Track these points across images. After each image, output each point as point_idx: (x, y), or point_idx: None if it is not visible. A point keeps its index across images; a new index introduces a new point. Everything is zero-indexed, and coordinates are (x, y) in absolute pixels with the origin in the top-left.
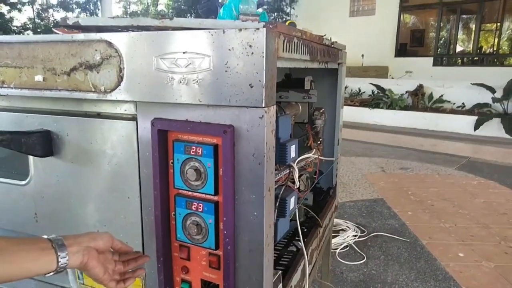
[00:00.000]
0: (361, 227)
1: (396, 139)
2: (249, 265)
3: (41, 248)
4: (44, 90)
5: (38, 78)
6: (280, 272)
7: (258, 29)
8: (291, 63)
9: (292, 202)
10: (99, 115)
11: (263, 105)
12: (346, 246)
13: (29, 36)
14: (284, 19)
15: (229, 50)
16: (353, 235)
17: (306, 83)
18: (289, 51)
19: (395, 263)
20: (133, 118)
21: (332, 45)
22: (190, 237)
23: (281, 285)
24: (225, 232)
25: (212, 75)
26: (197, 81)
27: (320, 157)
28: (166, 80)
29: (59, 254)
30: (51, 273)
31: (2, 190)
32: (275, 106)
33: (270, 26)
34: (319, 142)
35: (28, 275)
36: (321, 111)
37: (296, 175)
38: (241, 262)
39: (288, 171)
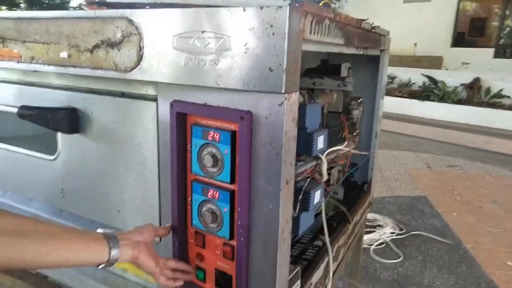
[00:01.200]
0: (400, 225)
1: (446, 134)
2: (263, 259)
3: (94, 238)
4: (68, 67)
5: (63, 54)
6: (299, 268)
7: (280, 7)
8: (321, 47)
9: (317, 195)
10: (123, 95)
11: (283, 91)
12: (382, 243)
13: (55, 12)
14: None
15: (249, 30)
16: (390, 232)
17: (343, 70)
18: (318, 34)
19: (433, 266)
20: (154, 99)
21: (373, 30)
22: (205, 224)
23: (299, 281)
24: (239, 222)
25: (230, 57)
26: (215, 63)
27: (352, 150)
28: (185, 61)
29: (111, 244)
30: (103, 265)
31: (34, 163)
32: (297, 93)
33: (296, 5)
34: (355, 134)
35: (81, 263)
36: (358, 101)
37: (324, 167)
38: (254, 255)
39: (315, 163)
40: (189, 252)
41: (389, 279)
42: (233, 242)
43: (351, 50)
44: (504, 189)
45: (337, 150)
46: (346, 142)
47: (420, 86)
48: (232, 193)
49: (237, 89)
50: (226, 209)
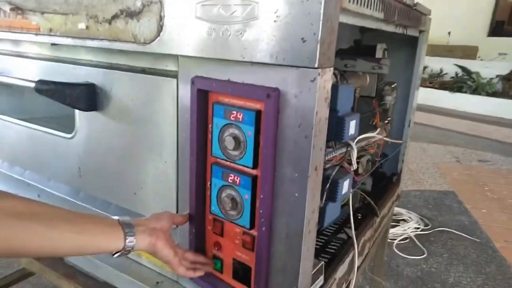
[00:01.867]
0: (425, 220)
1: (478, 127)
2: (285, 252)
3: (108, 224)
4: (86, 39)
5: (81, 26)
6: (322, 262)
7: None
8: (360, 20)
9: (345, 185)
10: (143, 71)
11: (316, 65)
12: (406, 238)
13: None
14: None
15: None
16: (415, 227)
17: (378, 52)
18: (357, 3)
19: (459, 264)
20: (175, 76)
21: (415, 7)
22: (224, 211)
23: (322, 277)
24: (261, 211)
25: (258, 26)
26: (240, 33)
27: (385, 138)
28: (208, 32)
29: (126, 231)
30: (119, 253)
31: (52, 141)
32: (332, 69)
33: None
34: (386, 122)
35: (96, 250)
36: (392, 86)
37: (354, 155)
38: (276, 247)
39: (345, 150)
40: (206, 240)
41: (412, 276)
42: (254, 232)
43: (390, 28)
44: None
45: (368, 137)
46: (378, 130)
47: (452, 77)
48: (254, 178)
49: (264, 62)
50: (247, 196)
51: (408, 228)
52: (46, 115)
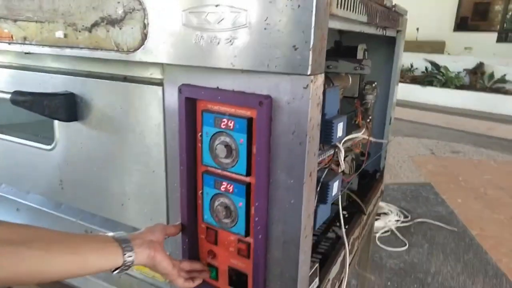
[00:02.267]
0: (405, 212)
1: (449, 120)
2: (282, 259)
3: (104, 241)
4: (65, 48)
5: (59, 34)
6: (317, 265)
7: None
8: (346, 25)
9: (335, 187)
10: (125, 79)
11: (309, 72)
12: (387, 231)
13: None
14: None
15: (270, 2)
16: (395, 220)
17: (359, 52)
18: (344, 8)
19: (440, 253)
20: (160, 84)
21: (394, 8)
22: (218, 220)
23: (317, 279)
24: (257, 218)
25: (248, 34)
26: (230, 41)
27: (371, 138)
28: (195, 39)
29: (123, 246)
30: (118, 270)
31: (30, 153)
32: (323, 75)
33: None
34: (368, 120)
35: (95, 269)
36: (373, 85)
37: (342, 156)
38: (273, 253)
39: (332, 152)
40: (200, 248)
41: (395, 268)
42: (249, 239)
43: (371, 30)
44: (510, 175)
45: (353, 137)
46: (364, 129)
47: (422, 72)
48: (248, 186)
49: (256, 70)
50: (241, 203)
51: (389, 221)
52: (24, 121)
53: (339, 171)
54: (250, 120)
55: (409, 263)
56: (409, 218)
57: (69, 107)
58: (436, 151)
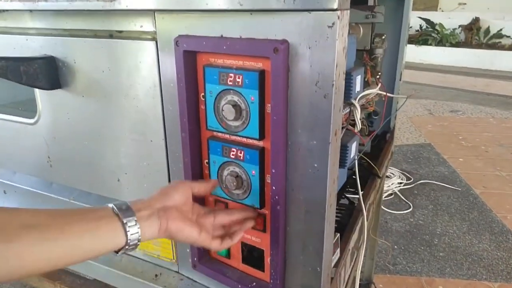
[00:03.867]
0: (407, 174)
1: (445, 79)
2: (305, 231)
3: (98, 217)
4: (38, 1)
5: None
6: (338, 235)
7: None
8: None
9: (353, 149)
10: (111, 36)
11: (336, 6)
12: (391, 194)
13: None
14: None
15: None
16: (398, 182)
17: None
18: None
19: (444, 214)
20: (153, 38)
21: None
22: (228, 191)
23: (338, 250)
24: (274, 187)
25: None
26: None
27: (389, 94)
28: None
29: (125, 221)
30: (122, 251)
31: (11, 129)
32: (349, 12)
33: None
34: (377, 77)
35: (89, 255)
36: (382, 37)
37: (358, 115)
38: (293, 226)
39: (348, 110)
40: None
41: (401, 230)
42: (265, 211)
43: None
44: (509, 131)
45: (368, 94)
46: (379, 85)
47: (417, 30)
48: (261, 151)
49: (269, 9)
50: (254, 171)
51: (392, 184)
52: (11, 101)
53: (356, 131)
54: (262, 73)
55: (414, 225)
56: (412, 180)
57: (50, 73)
58: (434, 111)
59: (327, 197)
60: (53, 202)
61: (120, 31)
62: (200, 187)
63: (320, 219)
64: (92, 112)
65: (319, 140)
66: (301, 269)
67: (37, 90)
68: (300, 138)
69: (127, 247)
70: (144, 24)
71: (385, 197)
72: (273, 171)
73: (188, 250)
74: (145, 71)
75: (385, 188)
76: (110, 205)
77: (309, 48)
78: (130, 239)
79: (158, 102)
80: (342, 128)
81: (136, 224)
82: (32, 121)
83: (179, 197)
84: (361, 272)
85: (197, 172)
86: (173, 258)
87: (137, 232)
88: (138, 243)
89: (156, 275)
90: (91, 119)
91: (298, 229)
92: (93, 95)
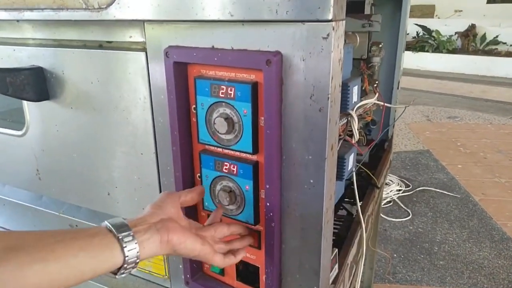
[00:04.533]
0: (406, 181)
1: (442, 85)
2: (301, 248)
3: (91, 234)
4: (23, 10)
5: None
6: (336, 250)
7: None
8: None
9: (351, 160)
10: (100, 46)
11: (330, 17)
12: (389, 202)
13: None
14: None
15: None
16: (397, 190)
17: (366, 7)
18: None
19: (444, 221)
20: (142, 48)
21: None
22: (221, 206)
23: (336, 266)
24: (268, 203)
25: None
26: None
27: (387, 105)
28: None
29: (120, 237)
30: (122, 271)
31: None
32: (344, 22)
33: None
34: (375, 85)
35: (85, 276)
36: (379, 46)
37: (355, 125)
38: (289, 243)
39: (345, 121)
40: None
41: (400, 238)
42: (260, 227)
43: None
44: (507, 137)
45: (365, 104)
46: (376, 95)
47: (413, 37)
48: (255, 165)
49: (261, 20)
50: (248, 186)
51: (391, 191)
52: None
53: (353, 142)
54: (255, 86)
55: (414, 233)
56: (411, 187)
57: (38, 84)
58: (432, 117)
59: (324, 213)
60: (43, 216)
61: (110, 42)
62: (187, 196)
63: (316, 236)
64: (81, 124)
65: (314, 155)
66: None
67: (25, 102)
68: (295, 152)
69: (126, 265)
70: (134, 35)
71: (383, 204)
72: (267, 186)
73: (180, 266)
74: (135, 83)
75: (383, 196)
76: (104, 222)
77: (303, 60)
78: (128, 256)
79: (149, 115)
80: (339, 139)
81: (133, 240)
82: (20, 133)
83: (173, 209)
84: (361, 281)
85: (189, 186)
86: (166, 274)
87: (135, 248)
88: (138, 260)
89: None
90: (80, 132)
91: (294, 246)
92: (82, 107)
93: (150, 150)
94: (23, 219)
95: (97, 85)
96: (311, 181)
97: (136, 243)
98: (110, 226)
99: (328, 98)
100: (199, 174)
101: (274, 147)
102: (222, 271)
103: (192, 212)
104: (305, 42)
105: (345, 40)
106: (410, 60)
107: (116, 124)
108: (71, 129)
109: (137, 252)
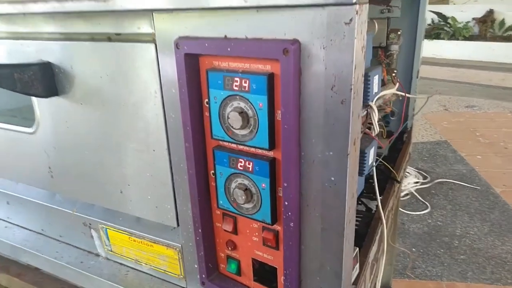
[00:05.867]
0: (423, 173)
1: (459, 73)
2: (321, 249)
3: None
4: (28, 3)
5: None
6: (357, 249)
7: None
8: None
9: (371, 154)
10: (109, 39)
11: (354, 0)
12: (407, 194)
13: None
14: None
15: None
16: (414, 182)
17: None
18: None
19: (464, 214)
20: (152, 40)
21: None
22: (236, 204)
23: (357, 266)
24: (286, 202)
25: None
26: None
27: (408, 95)
28: None
29: None
30: None
31: (10, 139)
32: (367, 6)
33: None
34: (393, 75)
35: None
36: (398, 33)
37: (376, 117)
38: (309, 244)
39: (365, 113)
40: (216, 239)
41: (419, 232)
42: (277, 227)
43: None
44: None
45: (383, 95)
46: (397, 85)
47: (429, 24)
48: (272, 162)
49: (277, 5)
50: (264, 184)
51: (408, 183)
52: (8, 107)
53: (373, 135)
54: (270, 77)
55: (433, 227)
56: (429, 179)
57: (46, 80)
58: (449, 106)
59: (346, 213)
60: (56, 214)
61: (118, 34)
62: None
63: (338, 237)
64: (92, 120)
65: (336, 151)
66: None
67: (34, 98)
68: (315, 148)
69: None
70: (142, 26)
71: (401, 197)
72: (285, 184)
73: (196, 266)
74: (145, 76)
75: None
76: None
77: (324, 48)
78: None
79: (160, 109)
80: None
81: None
82: (31, 130)
83: None
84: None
85: (203, 184)
86: (181, 274)
87: None
88: None
89: None
90: (91, 128)
91: (314, 247)
92: (92, 102)
93: (162, 146)
94: (38, 218)
95: (106, 80)
96: (332, 178)
97: None
98: None
99: (351, 89)
100: (213, 171)
101: (292, 143)
102: (238, 271)
103: (206, 211)
104: (325, 29)
105: None
106: (425, 48)
107: (127, 120)
108: (81, 126)
109: None
